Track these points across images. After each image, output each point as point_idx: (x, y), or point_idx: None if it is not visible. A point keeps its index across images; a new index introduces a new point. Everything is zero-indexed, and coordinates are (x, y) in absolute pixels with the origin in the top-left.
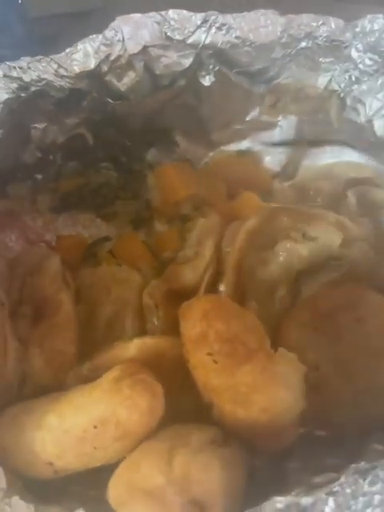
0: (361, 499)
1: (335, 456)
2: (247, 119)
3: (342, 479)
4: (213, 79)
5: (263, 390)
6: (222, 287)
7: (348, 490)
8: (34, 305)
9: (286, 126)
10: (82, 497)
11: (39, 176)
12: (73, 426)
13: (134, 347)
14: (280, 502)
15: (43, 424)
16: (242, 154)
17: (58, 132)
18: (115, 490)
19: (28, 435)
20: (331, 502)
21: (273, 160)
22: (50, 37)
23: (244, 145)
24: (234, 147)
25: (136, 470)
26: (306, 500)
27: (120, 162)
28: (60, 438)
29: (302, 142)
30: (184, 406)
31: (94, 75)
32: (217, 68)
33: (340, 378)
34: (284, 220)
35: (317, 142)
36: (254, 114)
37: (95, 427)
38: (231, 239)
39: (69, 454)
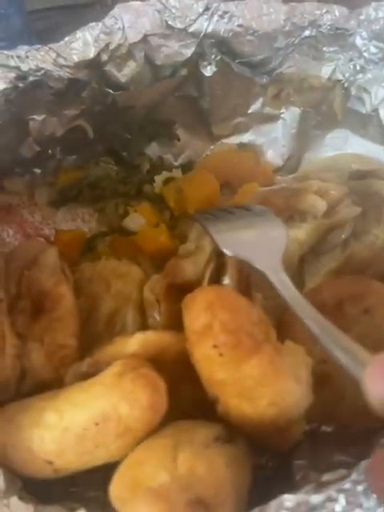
0: (373, 497)
1: (343, 453)
2: (249, 112)
3: (353, 476)
4: (214, 69)
5: (271, 383)
6: (226, 280)
7: (359, 488)
8: (32, 299)
9: (289, 118)
10: (81, 498)
11: (38, 170)
12: (73, 424)
13: (135, 342)
14: (289, 500)
15: (41, 422)
16: (243, 147)
17: (57, 124)
18: (118, 488)
19: (26, 433)
20: (342, 499)
21: (275, 153)
22: (48, 29)
23: (246, 138)
24: (235, 140)
25: (139, 467)
26: (315, 498)
27: (120, 156)
28: (59, 436)
29: (305, 135)
30: (187, 402)
31: (94, 65)
32: (219, 57)
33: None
34: (278, 202)
35: (320, 134)
36: (256, 106)
37: (96, 424)
38: None
39: (69, 452)
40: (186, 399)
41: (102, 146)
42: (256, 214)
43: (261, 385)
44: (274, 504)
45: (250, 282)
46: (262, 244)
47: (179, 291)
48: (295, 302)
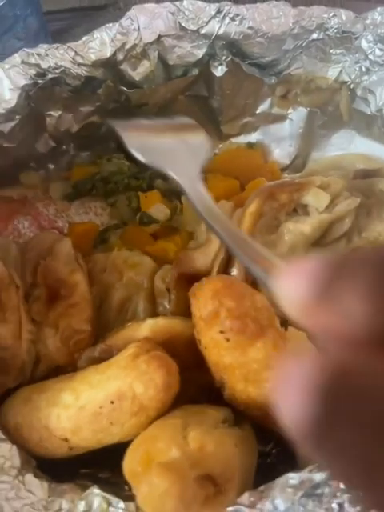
0: None
1: None
2: (257, 112)
3: None
4: (225, 69)
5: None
6: (234, 271)
7: None
8: (48, 287)
9: (295, 118)
10: (92, 478)
11: (52, 166)
12: (89, 402)
13: (146, 327)
14: (293, 478)
15: (58, 401)
16: (251, 146)
17: (72, 120)
18: (130, 462)
19: (43, 412)
20: None
21: (282, 152)
22: (62, 30)
23: (254, 137)
24: (243, 139)
25: (152, 443)
26: (318, 476)
27: (130, 153)
28: (75, 414)
29: (311, 135)
30: (194, 387)
31: (110, 63)
32: (229, 58)
33: None
34: (282, 196)
35: (326, 134)
36: (264, 106)
37: (112, 402)
38: (239, 224)
39: (84, 429)
40: (194, 384)
41: (114, 142)
42: (178, 123)
43: (265, 368)
44: (279, 481)
45: None
46: (180, 152)
47: (189, 281)
48: (209, 212)
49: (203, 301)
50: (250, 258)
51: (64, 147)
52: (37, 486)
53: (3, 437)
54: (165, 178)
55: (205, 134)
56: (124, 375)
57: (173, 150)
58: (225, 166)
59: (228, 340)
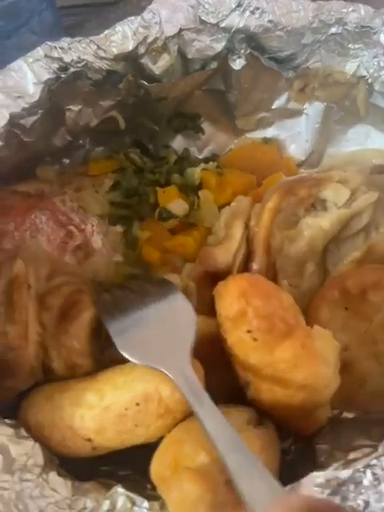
0: None
1: (365, 437)
2: (273, 107)
3: (380, 451)
4: (243, 63)
5: (302, 366)
6: (254, 265)
7: None
8: (61, 299)
9: (312, 113)
10: (113, 476)
11: (66, 160)
12: (114, 403)
13: None
14: (319, 476)
15: (82, 401)
16: (267, 141)
17: (91, 114)
18: (158, 466)
19: (66, 412)
20: (369, 474)
21: (298, 148)
22: (75, 25)
23: (269, 132)
24: (259, 134)
25: (179, 447)
26: (344, 473)
27: (145, 148)
28: (100, 415)
29: (327, 130)
30: (217, 386)
31: (131, 57)
32: (248, 52)
33: (369, 359)
34: (301, 191)
35: (342, 129)
36: (280, 101)
37: (137, 404)
38: (258, 219)
39: (109, 430)
40: (215, 383)
41: (129, 137)
42: (158, 300)
43: (293, 368)
44: (305, 481)
45: (276, 269)
46: (168, 342)
47: (211, 278)
48: (199, 402)
49: (229, 300)
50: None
51: (80, 142)
52: (61, 485)
53: (25, 434)
54: (182, 172)
55: (188, 303)
56: (150, 377)
57: (161, 342)
58: (241, 161)
59: (255, 340)
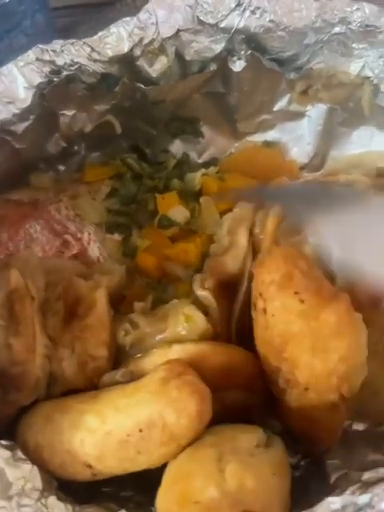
0: None
1: (376, 451)
2: (275, 109)
3: None
4: (244, 64)
5: (345, 334)
6: None
7: None
8: (67, 302)
9: (314, 115)
10: (115, 498)
11: (62, 167)
12: (115, 429)
13: (174, 354)
14: (334, 502)
15: (82, 424)
16: (268, 144)
17: (86, 119)
18: (165, 501)
19: (65, 435)
20: None
21: (300, 151)
22: (69, 26)
23: (271, 135)
24: (260, 138)
25: (186, 480)
26: (362, 499)
27: (143, 153)
28: (101, 441)
29: (330, 132)
30: (221, 406)
31: (127, 60)
32: (248, 53)
33: (382, 369)
34: None
35: (346, 132)
36: (281, 103)
37: (140, 431)
38: (262, 226)
39: (110, 457)
40: (219, 404)
41: (126, 142)
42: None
43: (336, 335)
44: (320, 508)
45: None
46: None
47: (223, 287)
48: None
49: (276, 264)
50: None
51: (75, 148)
52: (61, 509)
53: (23, 457)
54: (181, 177)
55: None
56: (154, 401)
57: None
58: (243, 165)
59: (302, 301)
